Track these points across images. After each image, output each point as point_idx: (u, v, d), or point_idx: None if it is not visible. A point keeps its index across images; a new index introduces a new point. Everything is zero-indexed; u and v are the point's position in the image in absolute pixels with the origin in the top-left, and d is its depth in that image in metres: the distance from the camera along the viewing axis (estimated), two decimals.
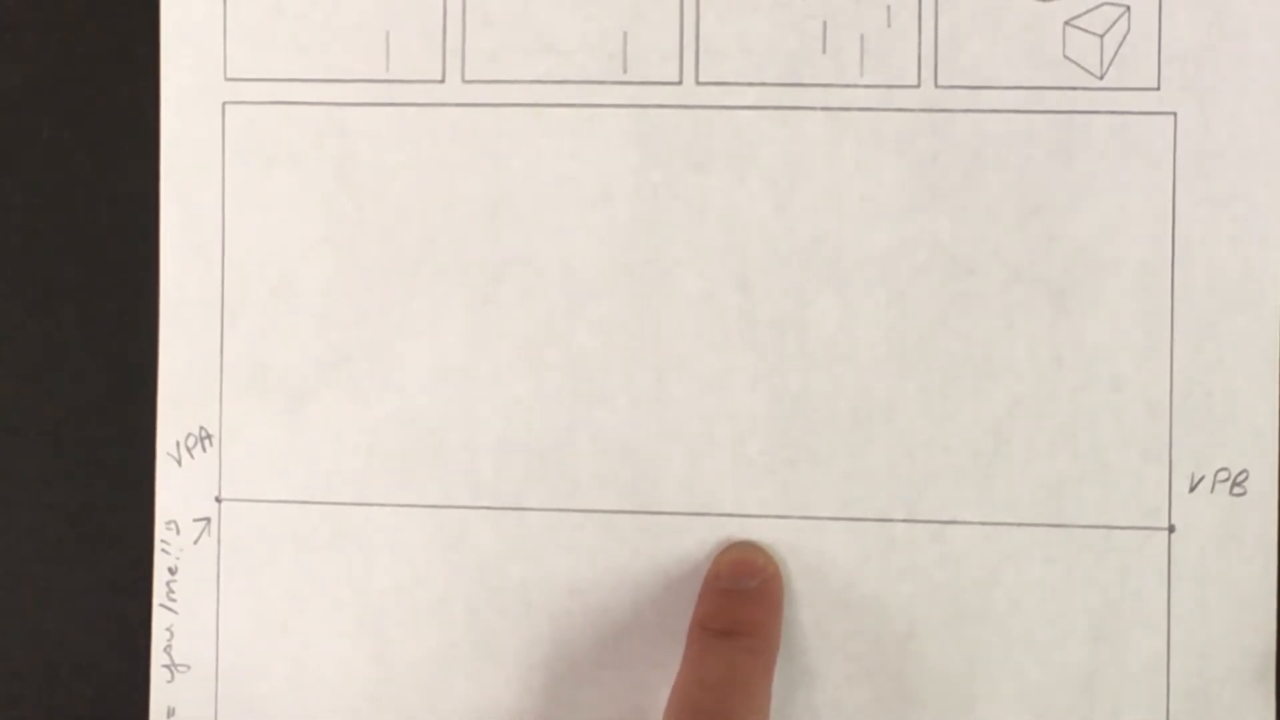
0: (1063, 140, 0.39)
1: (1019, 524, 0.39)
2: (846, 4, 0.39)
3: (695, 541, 0.40)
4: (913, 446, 0.39)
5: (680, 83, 0.40)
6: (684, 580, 0.39)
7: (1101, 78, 0.39)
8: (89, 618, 0.41)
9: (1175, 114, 0.39)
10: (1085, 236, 0.39)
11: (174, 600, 0.41)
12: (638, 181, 0.40)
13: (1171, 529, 0.39)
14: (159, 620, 0.41)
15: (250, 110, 0.40)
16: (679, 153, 0.40)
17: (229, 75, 0.41)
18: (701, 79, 0.40)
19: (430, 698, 0.40)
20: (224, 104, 0.41)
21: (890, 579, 0.39)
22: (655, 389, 0.40)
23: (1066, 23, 0.39)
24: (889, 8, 0.39)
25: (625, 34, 0.40)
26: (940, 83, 0.39)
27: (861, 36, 0.39)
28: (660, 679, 0.39)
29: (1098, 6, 0.39)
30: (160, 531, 0.41)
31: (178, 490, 0.41)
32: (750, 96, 0.39)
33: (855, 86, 0.39)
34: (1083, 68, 0.39)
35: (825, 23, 0.39)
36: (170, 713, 0.41)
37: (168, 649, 0.41)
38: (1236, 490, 0.38)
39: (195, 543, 0.41)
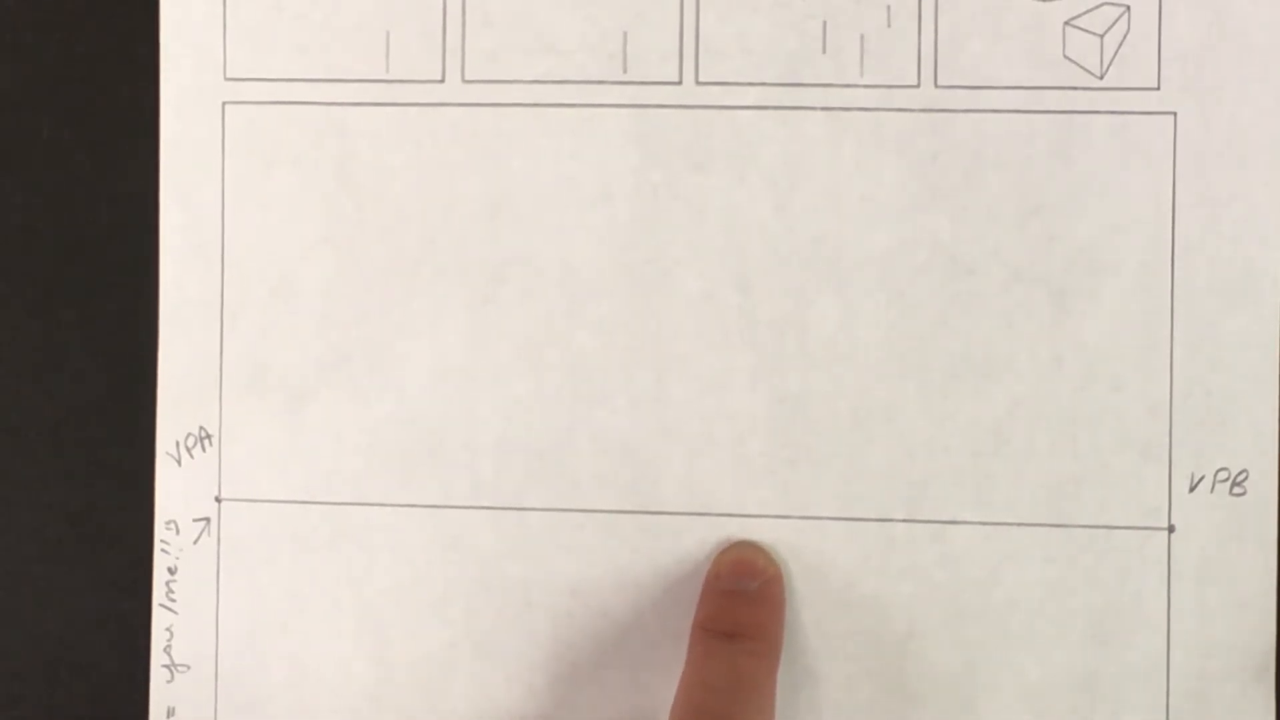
0: (1063, 140, 0.39)
1: (1019, 524, 0.39)
2: (846, 4, 0.39)
3: (695, 541, 0.40)
4: (913, 446, 0.39)
5: (680, 83, 0.40)
6: (684, 580, 0.39)
7: (1101, 78, 0.39)
8: (89, 618, 0.41)
9: (1175, 114, 0.39)
10: (1085, 236, 0.39)
11: (174, 600, 0.41)
12: (638, 181, 0.40)
13: (1171, 529, 0.39)
14: (159, 620, 0.41)
15: (250, 110, 0.40)
16: (679, 153, 0.40)
17: (229, 75, 0.41)
18: (701, 79, 0.40)
19: (430, 698, 0.40)
20: (224, 104, 0.41)
21: (890, 579, 0.39)
22: (655, 389, 0.40)
23: (1066, 23, 0.39)
24: (889, 8, 0.39)
25: (625, 34, 0.40)
26: (940, 83, 0.39)
27: (861, 36, 0.39)
28: (660, 679, 0.39)
29: (1098, 6, 0.39)
30: (160, 531, 0.41)
31: (177, 490, 0.41)
32: (750, 96, 0.39)
33: (855, 86, 0.39)
34: (1083, 68, 0.39)
35: (825, 23, 0.39)
36: (170, 713, 0.41)
37: (167, 649, 0.41)
38: (1236, 490, 0.38)
39: (195, 543, 0.41)
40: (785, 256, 0.39)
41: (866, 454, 0.39)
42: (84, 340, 0.41)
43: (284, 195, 0.40)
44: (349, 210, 0.40)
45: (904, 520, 0.39)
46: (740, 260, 0.39)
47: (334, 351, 0.40)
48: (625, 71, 0.40)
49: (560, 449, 0.40)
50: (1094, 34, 0.39)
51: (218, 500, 0.41)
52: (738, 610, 0.38)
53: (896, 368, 0.39)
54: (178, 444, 0.41)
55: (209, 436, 0.41)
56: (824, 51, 0.39)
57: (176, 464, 0.41)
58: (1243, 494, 0.38)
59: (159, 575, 0.41)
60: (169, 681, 0.41)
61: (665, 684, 0.39)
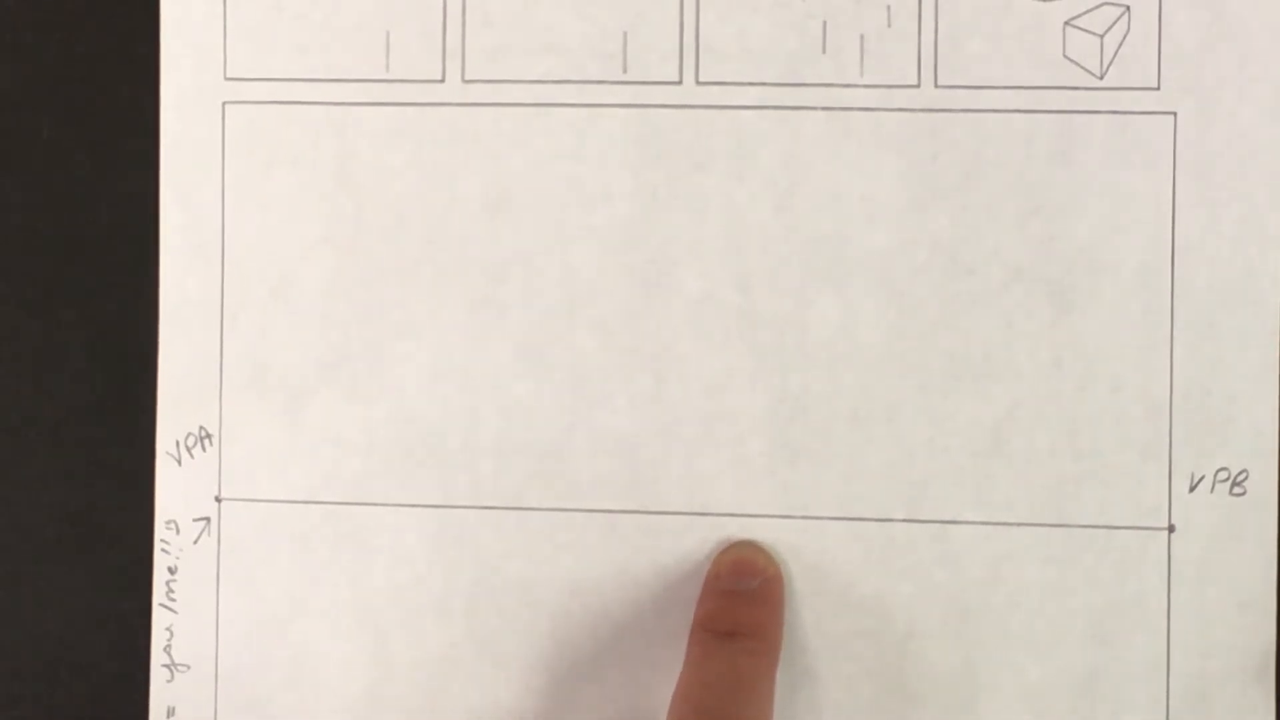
0: (1063, 140, 0.39)
1: (1019, 524, 0.39)
2: (846, 4, 0.39)
3: (695, 541, 0.40)
4: (913, 446, 0.39)
5: (680, 83, 0.40)
6: (684, 580, 0.39)
7: (1101, 78, 0.39)
8: (89, 618, 0.41)
9: (1175, 114, 0.39)
10: (1085, 236, 0.39)
11: (174, 600, 0.41)
12: (638, 181, 0.40)
13: (1171, 529, 0.39)
14: (159, 620, 0.41)
15: (250, 110, 0.40)
16: (679, 153, 0.40)
17: (229, 75, 0.41)
18: (701, 79, 0.40)
19: (430, 698, 0.40)
20: (224, 104, 0.41)
21: (890, 579, 0.39)
22: (655, 389, 0.40)
23: (1066, 23, 0.39)
24: (889, 8, 0.39)
25: (625, 34, 0.40)
26: (940, 83, 0.39)
27: (861, 36, 0.39)
28: (660, 679, 0.39)
29: (1098, 6, 0.39)
30: (160, 531, 0.41)
31: (177, 490, 0.41)
32: (750, 96, 0.39)
33: (855, 86, 0.39)
34: (1083, 68, 0.39)
35: (825, 23, 0.39)
36: (170, 712, 0.41)
37: (167, 649, 0.41)
38: (1236, 490, 0.38)
39: (195, 542, 0.41)
40: (785, 256, 0.39)
41: (866, 454, 0.39)
42: (84, 340, 0.41)
43: (284, 195, 0.40)
44: (349, 210, 0.40)
45: (904, 520, 0.39)
46: (740, 260, 0.39)
47: (334, 351, 0.40)
48: (625, 71, 0.40)
49: (560, 449, 0.40)
50: (1094, 34, 0.39)
51: (218, 500, 0.41)
52: (737, 609, 0.38)
53: (896, 368, 0.39)
54: (178, 444, 0.41)
55: (209, 436, 0.41)
56: (824, 51, 0.39)
57: (176, 464, 0.41)
58: (1243, 494, 0.38)
59: (159, 575, 0.41)
60: (169, 681, 0.41)
61: (665, 684, 0.39)
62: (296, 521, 0.40)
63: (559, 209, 0.40)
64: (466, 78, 0.40)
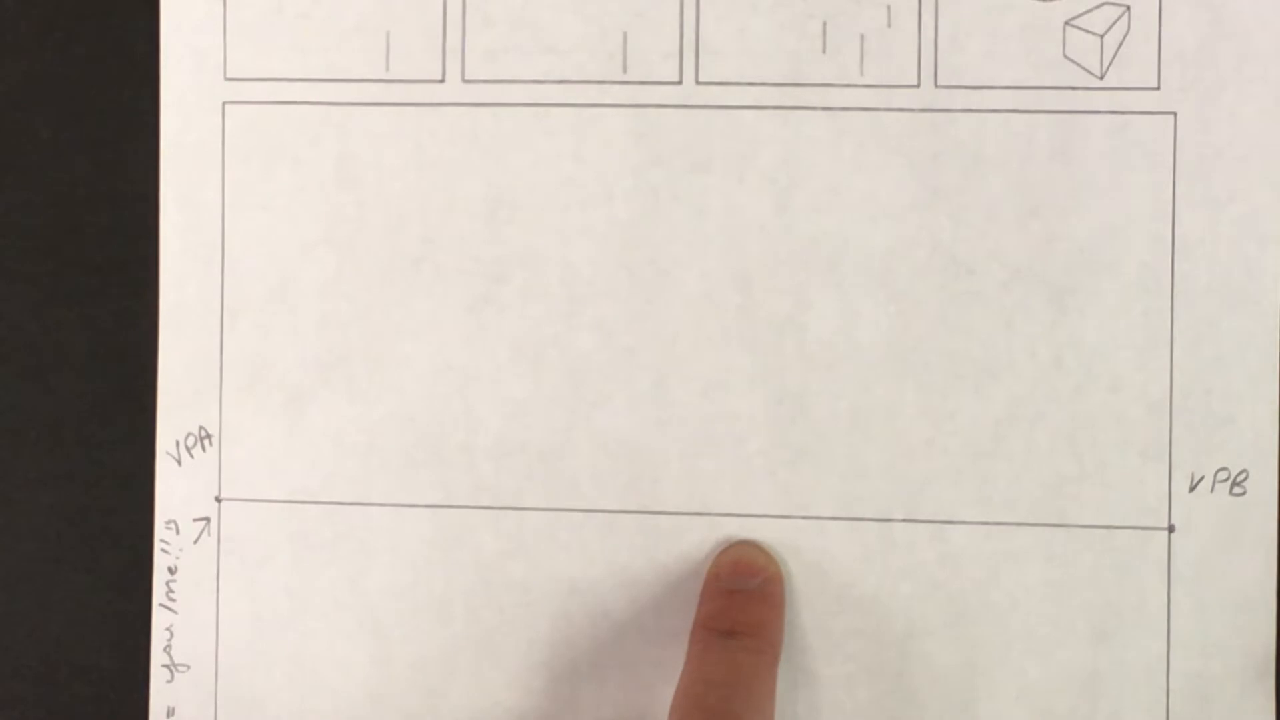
0: (1063, 140, 0.39)
1: (1019, 524, 0.39)
2: (846, 4, 0.39)
3: (695, 541, 0.40)
4: (912, 446, 0.39)
5: (680, 83, 0.40)
6: (684, 580, 0.39)
7: (1101, 78, 0.39)
8: (89, 618, 0.41)
9: (1175, 114, 0.39)
10: (1085, 236, 0.39)
11: (173, 600, 0.41)
12: (638, 181, 0.40)
13: (1171, 529, 0.39)
14: (158, 620, 0.41)
15: (250, 110, 0.40)
16: (679, 153, 0.40)
17: (229, 75, 0.41)
18: (701, 79, 0.40)
19: (430, 698, 0.40)
20: (224, 104, 0.41)
21: (890, 579, 0.39)
22: (655, 389, 0.40)
23: (1066, 23, 0.39)
24: (889, 8, 0.39)
25: (625, 34, 0.40)
26: (940, 83, 0.39)
27: (861, 36, 0.39)
28: (660, 679, 0.39)
29: (1098, 6, 0.39)
30: (160, 531, 0.41)
31: (177, 490, 0.41)
32: (750, 96, 0.39)
33: (855, 86, 0.39)
34: (1083, 68, 0.39)
35: (825, 23, 0.39)
36: (170, 712, 0.41)
37: (167, 649, 0.41)
38: (1236, 490, 0.38)
39: (195, 542, 0.41)
40: (785, 256, 0.39)
41: (866, 454, 0.39)
42: (84, 340, 0.41)
43: (284, 195, 0.40)
44: (349, 210, 0.40)
45: (904, 520, 0.39)
46: (740, 260, 0.39)
47: (333, 351, 0.40)
48: (625, 71, 0.40)
49: (560, 449, 0.40)
50: (1094, 34, 0.39)
51: (218, 500, 0.41)
52: (738, 609, 0.38)
53: (896, 368, 0.39)
54: (178, 444, 0.41)
55: (209, 436, 0.41)
56: (824, 51, 0.39)
57: (176, 464, 0.41)
58: (1243, 494, 0.38)
59: (159, 575, 0.41)
60: (169, 681, 0.41)
61: (665, 684, 0.39)
62: (296, 521, 0.40)
63: (559, 209, 0.40)
64: (466, 78, 0.40)
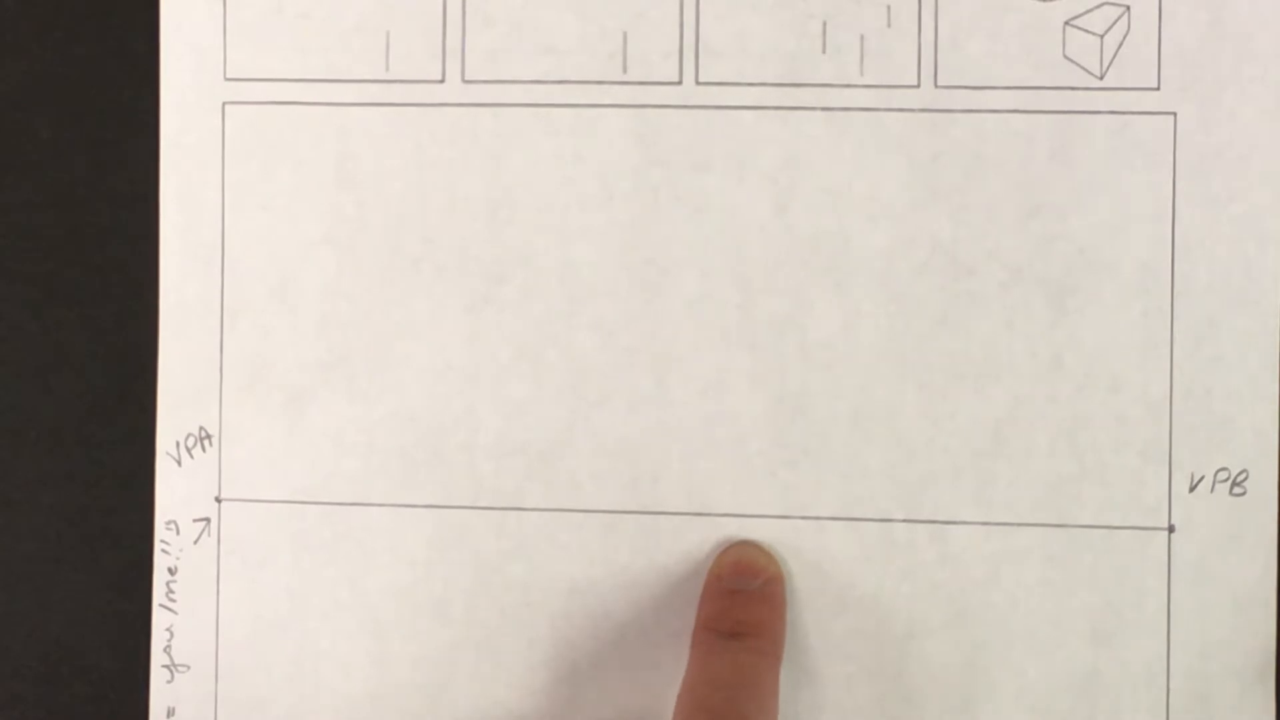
0: (1063, 140, 0.39)
1: (1019, 524, 0.39)
2: (846, 4, 0.39)
3: (695, 541, 0.40)
4: (912, 446, 0.39)
5: (680, 83, 0.40)
6: (684, 580, 0.39)
7: (1101, 78, 0.39)
8: (89, 618, 0.41)
9: (1175, 114, 0.39)
10: (1085, 236, 0.39)
11: (174, 600, 0.41)
12: (638, 181, 0.40)
13: (1171, 529, 0.39)
14: (159, 620, 0.41)
15: (250, 110, 0.40)
16: (679, 153, 0.40)
17: (229, 75, 0.41)
18: (701, 79, 0.40)
19: (430, 698, 0.40)
20: (224, 104, 0.41)
21: (890, 579, 0.39)
22: (655, 389, 0.40)
23: (1066, 23, 0.39)
24: (889, 8, 0.39)
25: (625, 34, 0.40)
26: (940, 83, 0.39)
27: (861, 36, 0.39)
28: (660, 679, 0.39)
29: (1098, 6, 0.39)
30: (160, 531, 0.41)
31: (177, 490, 0.41)
32: (750, 96, 0.39)
33: (855, 86, 0.39)
34: (1083, 68, 0.39)
35: (825, 23, 0.39)
36: (170, 713, 0.41)
37: (167, 649, 0.41)
38: (1236, 490, 0.38)
39: (195, 543, 0.41)
40: (785, 256, 0.39)
41: (866, 454, 0.39)
42: (84, 340, 0.41)
43: (284, 195, 0.40)
44: (349, 210, 0.40)
45: (904, 520, 0.39)
46: (740, 260, 0.39)
47: (334, 352, 0.40)
48: (625, 71, 0.40)
49: (560, 449, 0.40)
50: (1094, 34, 0.39)
51: (218, 500, 0.41)
52: (740, 609, 0.38)
53: (896, 368, 0.39)
54: (178, 444, 0.41)
55: (209, 437, 0.41)
56: (824, 51, 0.39)
57: (176, 464, 0.41)
58: (1243, 494, 0.38)
59: (159, 575, 0.41)
60: (169, 681, 0.41)
61: (665, 684, 0.39)
62: (296, 522, 0.40)
63: (559, 209, 0.40)
64: (466, 78, 0.40)
